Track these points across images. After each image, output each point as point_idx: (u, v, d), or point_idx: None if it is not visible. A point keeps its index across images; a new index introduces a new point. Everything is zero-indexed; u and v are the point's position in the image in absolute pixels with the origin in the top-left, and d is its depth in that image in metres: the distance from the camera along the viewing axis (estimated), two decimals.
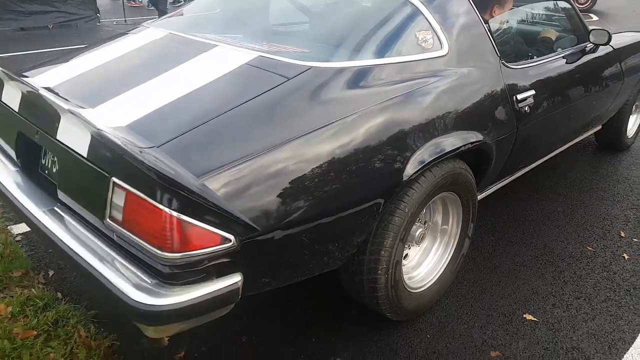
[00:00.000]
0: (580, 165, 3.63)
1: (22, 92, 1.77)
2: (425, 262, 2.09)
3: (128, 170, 1.32)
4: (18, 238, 2.54)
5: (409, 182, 1.72)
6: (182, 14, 2.57)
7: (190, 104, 1.55)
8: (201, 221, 1.28)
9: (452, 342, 1.96)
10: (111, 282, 1.31)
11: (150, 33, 2.19)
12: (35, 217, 1.61)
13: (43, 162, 1.84)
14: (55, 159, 1.68)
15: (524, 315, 2.11)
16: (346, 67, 1.73)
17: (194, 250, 1.29)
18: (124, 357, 1.85)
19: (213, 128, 1.44)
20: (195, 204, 1.27)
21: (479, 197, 2.31)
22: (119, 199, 1.37)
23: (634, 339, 2.01)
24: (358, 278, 1.81)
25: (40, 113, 1.68)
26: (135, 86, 1.68)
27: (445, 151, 1.79)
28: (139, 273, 1.33)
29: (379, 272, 1.76)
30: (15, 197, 1.73)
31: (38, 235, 1.67)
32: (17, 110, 1.82)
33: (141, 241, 1.32)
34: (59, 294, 2.13)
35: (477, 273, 2.36)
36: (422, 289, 2.03)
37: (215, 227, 1.30)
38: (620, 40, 3.21)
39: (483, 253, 2.51)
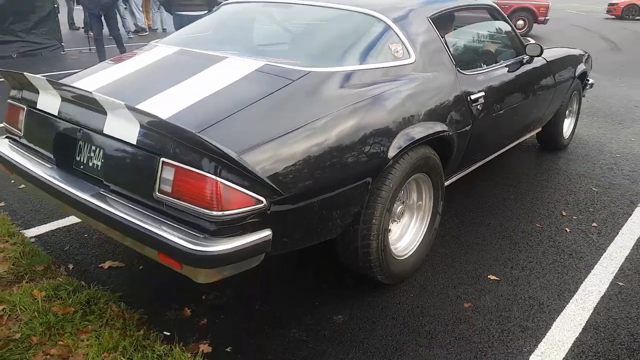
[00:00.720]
0: (526, 162, 4.16)
1: (63, 97, 2.06)
2: (406, 235, 2.48)
3: (179, 150, 1.66)
4: (32, 240, 2.76)
5: (391, 163, 2.12)
6: (182, 34, 2.91)
7: (218, 101, 1.90)
8: (240, 186, 1.63)
9: (431, 298, 2.35)
10: (170, 239, 1.62)
11: (163, 49, 2.53)
12: (85, 200, 1.89)
13: (78, 158, 2.13)
14: (97, 151, 1.99)
15: (488, 276, 2.52)
16: (338, 71, 2.14)
17: (235, 209, 1.63)
18: (154, 326, 2.11)
19: (240, 117, 1.80)
20: (236, 172, 1.62)
21: (445, 183, 2.74)
22: (168, 174, 1.69)
23: (577, 288, 2.45)
24: (353, 245, 2.17)
25: (84, 113, 1.98)
26: (165, 89, 2.02)
27: (416, 138, 2.20)
28: (189, 231, 1.65)
29: (371, 237, 2.14)
30: (60, 187, 2.01)
31: (88, 215, 1.94)
32: (56, 114, 2.10)
33: (191, 205, 1.65)
34: (83, 282, 2.38)
35: (447, 247, 2.77)
36: (405, 256, 2.42)
37: (250, 191, 1.65)
38: (551, 54, 3.78)
39: (451, 232, 2.93)
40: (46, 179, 2.09)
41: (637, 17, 19.51)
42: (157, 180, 1.73)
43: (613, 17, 20.72)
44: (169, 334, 2.06)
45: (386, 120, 2.12)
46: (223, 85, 2.01)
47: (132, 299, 2.29)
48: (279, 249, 1.85)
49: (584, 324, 2.19)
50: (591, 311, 2.28)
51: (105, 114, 1.88)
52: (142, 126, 1.76)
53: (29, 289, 2.26)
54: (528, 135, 3.94)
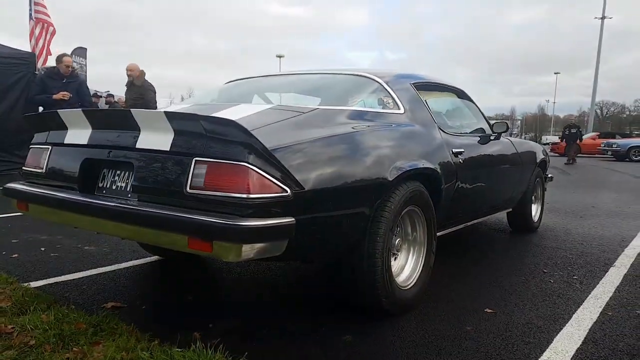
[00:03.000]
0: (501, 241, 4.43)
1: (94, 126, 2.27)
2: (406, 266, 2.62)
3: (212, 146, 1.86)
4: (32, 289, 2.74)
5: (391, 188, 2.35)
6: (189, 102, 3.24)
7: (247, 119, 2.12)
8: (271, 175, 1.82)
9: (434, 324, 2.42)
10: (203, 219, 1.75)
11: (177, 106, 2.83)
12: (112, 205, 2.02)
13: (101, 185, 2.28)
14: (122, 174, 2.16)
15: (485, 310, 2.63)
16: (343, 109, 2.46)
17: (265, 194, 1.80)
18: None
19: (269, 129, 2.03)
20: (269, 163, 1.83)
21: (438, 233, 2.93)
22: (200, 170, 1.87)
23: (570, 317, 2.57)
24: (359, 265, 2.30)
25: (116, 135, 2.18)
26: None
27: (412, 168, 2.47)
28: (221, 214, 1.79)
29: (376, 255, 2.28)
30: (85, 201, 2.13)
31: (114, 220, 2.03)
32: (85, 143, 2.29)
33: (222, 193, 1.81)
34: (86, 314, 2.36)
35: (442, 291, 2.88)
36: (408, 286, 2.54)
37: (278, 181, 1.84)
38: (517, 140, 4.28)
39: (444, 281, 3.06)
40: (68, 197, 2.21)
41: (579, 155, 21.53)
42: (189, 178, 1.89)
43: (557, 154, 22.80)
44: (180, 349, 2.05)
45: (387, 148, 2.40)
46: (246, 114, 2.27)
47: (139, 327, 2.27)
48: (296, 250, 1.97)
49: (582, 339, 2.29)
50: (587, 330, 2.39)
51: (139, 130, 2.09)
52: (177, 132, 1.97)
53: (36, 315, 2.23)
54: (501, 211, 4.25)
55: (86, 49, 12.23)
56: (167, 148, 1.98)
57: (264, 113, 2.32)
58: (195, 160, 1.90)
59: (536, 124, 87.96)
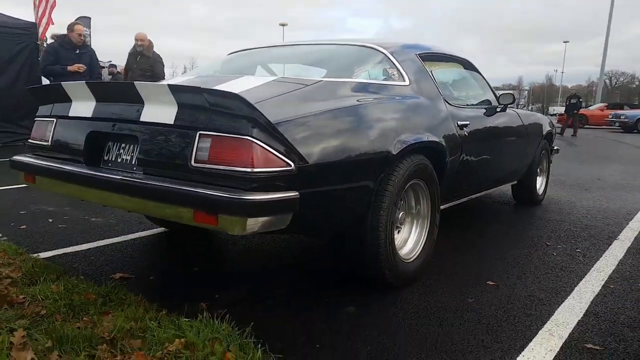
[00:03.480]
0: (505, 213, 4.45)
1: (98, 98, 2.26)
2: (409, 239, 2.65)
3: (216, 120, 1.85)
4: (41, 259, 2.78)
5: (395, 161, 2.34)
6: (192, 73, 3.23)
7: (250, 92, 2.11)
8: (275, 149, 1.82)
9: (436, 296, 2.45)
10: (209, 192, 1.77)
11: (181, 77, 2.81)
12: (118, 178, 2.03)
13: (106, 158, 2.29)
14: (127, 147, 2.17)
15: (487, 282, 2.66)
16: (347, 81, 2.44)
17: (269, 168, 1.80)
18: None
19: (273, 102, 2.02)
20: (273, 137, 1.83)
21: (442, 206, 2.94)
22: (204, 144, 1.87)
23: (572, 289, 2.60)
24: (363, 238, 2.32)
25: (120, 108, 2.18)
26: None
27: (417, 141, 2.46)
28: (226, 188, 1.80)
29: (380, 229, 2.29)
30: (90, 174, 2.15)
31: (119, 193, 2.05)
32: (90, 116, 2.29)
33: (227, 167, 1.81)
34: (95, 285, 2.41)
35: (445, 264, 2.92)
36: (411, 259, 2.57)
37: (282, 155, 1.84)
38: (521, 111, 4.24)
39: (446, 254, 3.09)
40: (74, 170, 2.23)
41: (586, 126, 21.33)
42: (194, 152, 1.90)
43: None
44: (188, 319, 2.09)
45: (390, 121, 2.39)
46: (249, 87, 2.26)
47: (147, 298, 2.32)
48: (300, 223, 1.99)
49: (584, 312, 2.32)
50: (589, 303, 2.42)
51: (143, 102, 2.08)
52: (180, 105, 1.96)
53: (47, 285, 2.28)
54: (506, 184, 4.25)
55: (90, 18, 12.06)
56: (171, 121, 1.98)
57: (267, 85, 2.31)
58: (200, 134, 1.90)
59: (544, 94, 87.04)
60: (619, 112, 21.54)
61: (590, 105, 29.42)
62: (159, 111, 2.03)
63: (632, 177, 6.85)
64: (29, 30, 8.78)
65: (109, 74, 13.14)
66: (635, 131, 19.71)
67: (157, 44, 7.37)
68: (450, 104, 3.00)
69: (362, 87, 2.48)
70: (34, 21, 9.02)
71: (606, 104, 25.23)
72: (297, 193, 1.88)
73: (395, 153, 2.32)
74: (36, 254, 2.82)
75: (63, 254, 2.94)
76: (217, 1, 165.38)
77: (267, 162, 1.81)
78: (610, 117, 21.41)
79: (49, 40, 8.51)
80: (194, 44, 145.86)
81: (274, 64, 3.23)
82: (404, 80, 2.75)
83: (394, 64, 2.79)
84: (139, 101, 2.09)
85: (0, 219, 3.65)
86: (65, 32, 6.88)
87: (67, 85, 2.38)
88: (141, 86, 2.06)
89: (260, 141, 1.81)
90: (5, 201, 4.25)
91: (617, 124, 20.75)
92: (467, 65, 3.73)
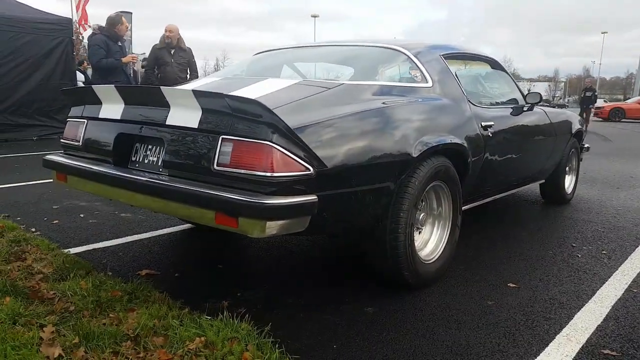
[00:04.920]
0: (533, 212, 4.40)
1: (127, 101, 2.34)
2: (430, 241, 2.66)
3: (238, 125, 1.90)
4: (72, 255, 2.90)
5: (415, 164, 2.36)
6: (217, 74, 3.29)
7: (269, 97, 2.17)
8: (294, 154, 1.87)
9: (456, 298, 2.46)
10: (230, 196, 1.82)
11: (207, 79, 2.87)
12: (145, 180, 2.11)
13: (134, 159, 2.37)
14: (154, 149, 2.24)
15: (508, 284, 2.65)
16: (369, 84, 2.46)
17: (288, 172, 1.85)
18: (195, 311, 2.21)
19: (294, 107, 2.07)
20: (292, 142, 1.87)
21: (464, 207, 2.94)
22: (226, 148, 1.93)
23: (594, 293, 2.57)
24: (382, 240, 2.34)
25: (147, 111, 2.25)
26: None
27: (437, 144, 2.46)
28: (246, 192, 1.85)
29: (399, 230, 2.31)
30: (118, 175, 2.23)
31: (146, 194, 2.13)
32: (119, 118, 2.37)
33: (248, 171, 1.86)
34: (121, 281, 2.50)
35: (467, 265, 2.91)
36: (431, 260, 2.58)
37: (301, 160, 1.88)
38: (549, 109, 4.17)
39: (469, 254, 3.08)
40: (103, 171, 2.32)
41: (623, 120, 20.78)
42: (216, 155, 1.95)
43: (600, 119, 22.11)
44: (210, 317, 2.15)
45: (411, 123, 2.39)
46: (271, 90, 2.30)
47: (171, 294, 2.40)
48: (319, 225, 2.03)
49: (604, 316, 2.30)
50: (610, 308, 2.39)
51: (169, 107, 2.15)
52: (204, 110, 2.02)
53: (76, 281, 2.38)
54: (532, 183, 4.19)
55: (131, 13, 12.02)
56: (196, 125, 2.04)
57: (289, 89, 2.35)
58: (222, 138, 1.95)
59: (580, 86, 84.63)
60: None
61: (629, 99, 28.55)
62: (184, 115, 2.09)
63: None
64: (64, 26, 9.04)
65: (142, 67, 13.30)
66: None
67: (188, 37, 7.21)
68: (474, 105, 2.99)
69: (384, 90, 2.50)
70: (69, 17, 9.27)
71: None
72: (315, 197, 1.92)
73: (415, 155, 2.33)
74: (67, 250, 2.94)
75: (93, 249, 3.06)
76: None
77: (287, 166, 1.85)
78: None
79: (89, 32, 8.56)
80: (225, 36, 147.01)
81: (300, 63, 3.27)
82: (427, 82, 2.75)
83: (417, 65, 2.79)
84: (165, 105, 2.16)
85: (34, 214, 3.81)
86: (103, 24, 6.87)
87: (98, 88, 2.46)
88: (167, 91, 2.12)
89: (280, 146, 1.85)
90: (39, 195, 4.43)
91: None
92: (494, 64, 3.69)
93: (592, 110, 16.14)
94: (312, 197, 1.91)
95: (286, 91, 2.31)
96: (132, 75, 6.76)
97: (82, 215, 3.80)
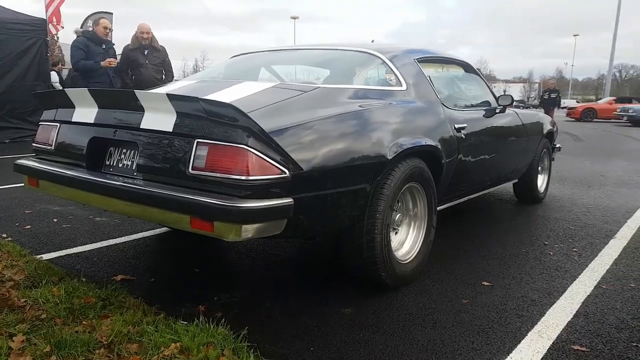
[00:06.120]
0: (506, 210, 4.48)
1: (100, 105, 2.31)
2: (406, 241, 2.69)
3: (213, 128, 1.90)
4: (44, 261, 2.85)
5: (391, 165, 2.38)
6: (194, 77, 3.28)
7: (245, 101, 2.17)
8: (269, 158, 1.87)
9: (432, 297, 2.50)
10: (205, 200, 1.82)
11: (183, 82, 2.86)
12: (118, 185, 2.09)
13: (108, 162, 2.35)
14: (128, 152, 2.22)
15: (482, 283, 2.70)
16: (344, 87, 2.48)
17: (264, 175, 1.85)
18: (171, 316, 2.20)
19: (269, 110, 2.07)
20: (268, 146, 1.87)
21: (439, 207, 2.98)
22: (202, 152, 1.92)
23: (565, 289, 2.63)
24: (359, 241, 2.36)
25: (120, 115, 2.23)
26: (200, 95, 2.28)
27: (412, 145, 2.49)
28: (222, 195, 1.85)
29: (375, 232, 2.33)
30: (91, 179, 2.21)
31: (119, 199, 2.10)
32: (92, 122, 2.34)
33: (223, 175, 1.86)
34: (95, 287, 2.47)
35: (442, 264, 2.95)
36: (407, 261, 2.60)
37: (277, 163, 1.89)
38: (521, 111, 4.25)
39: (444, 254, 3.12)
40: (76, 175, 2.29)
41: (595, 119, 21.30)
42: (191, 159, 1.95)
43: (573, 119, 22.63)
44: (185, 322, 2.14)
45: (386, 126, 2.42)
46: (247, 94, 2.30)
47: (146, 300, 2.38)
48: (296, 228, 2.04)
49: (574, 312, 2.36)
50: (580, 304, 2.45)
51: (143, 110, 2.13)
52: (179, 114, 2.01)
53: (48, 288, 2.34)
54: (505, 183, 4.27)
55: (112, 13, 11.72)
56: (170, 129, 2.03)
57: (265, 92, 2.35)
58: (197, 142, 1.95)
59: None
60: (627, 106, 21.37)
61: (601, 99, 29.24)
62: (159, 119, 2.08)
63: (635, 173, 6.84)
64: (37, 26, 8.86)
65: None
66: None
67: (168, 37, 7.02)
68: (448, 107, 3.03)
69: (359, 94, 2.52)
70: (42, 17, 9.08)
71: (615, 98, 25.04)
72: (291, 199, 1.92)
73: (390, 157, 2.35)
74: (40, 256, 2.89)
75: (66, 255, 3.01)
76: None
77: (262, 170, 1.86)
78: (618, 110, 21.26)
79: (72, 35, 8.39)
80: (205, 36, 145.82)
81: (278, 66, 3.28)
82: (402, 86, 2.78)
83: (391, 69, 2.82)
84: (139, 109, 2.14)
85: (5, 219, 3.73)
86: (79, 25, 6.78)
87: (70, 92, 2.43)
88: (141, 94, 2.10)
89: (255, 149, 1.86)
90: (11, 199, 4.34)
91: (625, 118, 20.60)
92: (467, 67, 3.75)
93: (555, 111, 16.38)
94: (288, 200, 1.91)
95: (262, 94, 2.31)
96: (113, 76, 6.60)
97: (55, 220, 3.73)
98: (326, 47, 3.16)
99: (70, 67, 8.08)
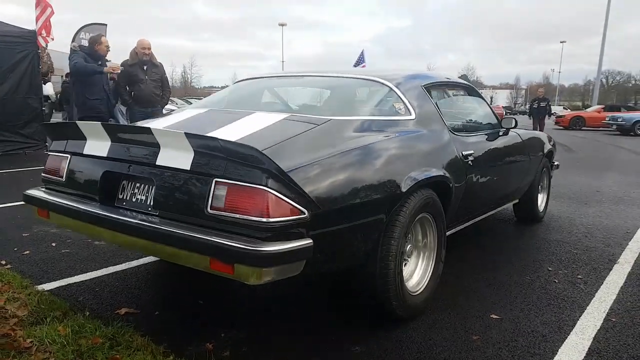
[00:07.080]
0: (507, 232, 4.48)
1: (114, 139, 2.26)
2: (415, 272, 2.67)
3: (232, 169, 1.87)
4: (46, 292, 2.79)
5: (405, 196, 2.37)
6: (201, 104, 3.24)
7: (260, 136, 2.15)
8: (289, 198, 1.85)
9: (441, 332, 2.48)
10: (225, 242, 1.79)
11: (192, 110, 2.84)
12: (135, 222, 2.05)
13: (121, 196, 2.30)
14: (142, 187, 2.19)
15: (491, 315, 2.68)
16: (355, 119, 2.47)
17: (284, 217, 1.83)
18: (180, 358, 2.15)
19: (284, 147, 2.06)
20: (287, 186, 1.86)
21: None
22: (220, 192, 1.89)
23: (575, 323, 2.62)
24: (372, 268, 2.33)
25: (135, 150, 2.19)
26: (211, 131, 2.26)
27: (425, 177, 2.49)
28: (241, 237, 1.82)
29: (390, 258, 2.32)
30: (105, 215, 2.17)
31: (137, 237, 2.06)
32: (105, 155, 2.30)
33: (242, 216, 1.83)
34: (102, 326, 2.42)
35: (449, 295, 2.93)
36: (418, 292, 2.59)
37: (296, 203, 1.87)
38: (522, 132, 4.27)
39: (450, 284, 3.10)
40: (89, 210, 2.24)
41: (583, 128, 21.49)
42: (210, 198, 1.92)
43: (561, 127, 22.82)
44: None
45: (399, 159, 2.43)
46: (259, 127, 2.28)
47: (153, 337, 2.33)
48: (313, 266, 2.01)
49: (587, 350, 2.34)
50: (591, 340, 2.44)
51: (159, 147, 2.09)
52: (197, 152, 1.97)
53: (53, 327, 2.29)
54: (508, 203, 4.28)
55: (106, 25, 11.55)
56: (188, 167, 1.99)
57: (277, 126, 2.34)
58: (216, 182, 1.92)
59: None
60: (616, 114, 21.56)
61: (588, 106, 29.53)
62: (176, 156, 2.04)
63: (630, 188, 6.88)
64: (28, 39, 8.75)
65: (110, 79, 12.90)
66: (632, 134, 19.76)
67: (154, 44, 6.68)
68: (454, 134, 3.03)
69: (370, 125, 2.52)
70: (33, 29, 8.97)
71: (603, 106, 25.29)
72: (310, 240, 1.91)
73: (404, 190, 2.35)
74: (41, 286, 2.83)
75: (67, 284, 2.95)
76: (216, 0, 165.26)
77: (282, 211, 1.84)
78: (607, 119, 21.45)
79: (61, 43, 8.35)
80: (194, 42, 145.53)
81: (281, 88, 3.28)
82: (410, 114, 2.77)
83: (399, 97, 2.81)
84: (155, 145, 2.10)
85: (3, 243, 3.67)
86: (70, 39, 6.70)
87: (82, 125, 2.39)
88: (158, 131, 2.07)
89: (275, 190, 1.83)
90: (7, 220, 4.25)
91: (614, 127, 20.79)
92: (470, 91, 3.76)
93: (545, 121, 16.39)
94: (308, 241, 1.90)
95: (274, 128, 2.29)
96: (110, 85, 6.51)
97: (54, 244, 3.67)
98: (332, 74, 3.12)
99: (61, 75, 7.99)
